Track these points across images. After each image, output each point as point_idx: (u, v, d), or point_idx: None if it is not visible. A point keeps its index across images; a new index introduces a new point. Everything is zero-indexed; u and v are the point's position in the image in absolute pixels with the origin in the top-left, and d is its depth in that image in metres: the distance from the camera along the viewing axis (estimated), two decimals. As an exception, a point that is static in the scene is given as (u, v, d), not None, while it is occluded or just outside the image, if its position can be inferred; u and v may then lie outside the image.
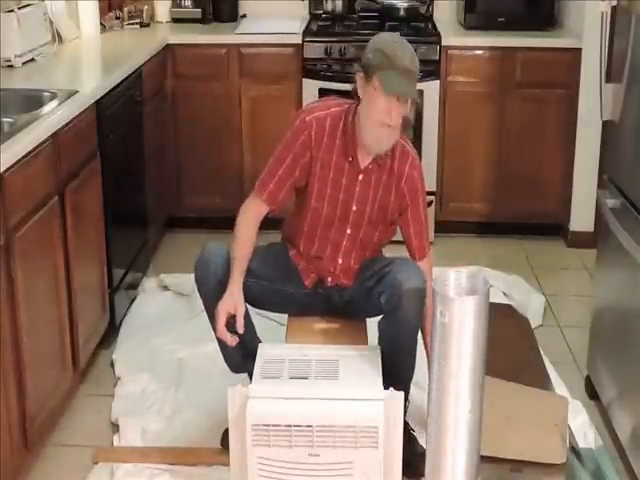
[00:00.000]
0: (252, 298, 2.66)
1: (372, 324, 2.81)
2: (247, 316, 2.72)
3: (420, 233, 2.72)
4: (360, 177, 2.63)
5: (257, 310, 2.83)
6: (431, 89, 4.35)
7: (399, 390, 2.61)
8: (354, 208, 2.66)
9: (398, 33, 2.54)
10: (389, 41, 2.51)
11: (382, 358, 2.64)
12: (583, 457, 2.82)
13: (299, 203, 2.72)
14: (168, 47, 4.41)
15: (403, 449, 2.34)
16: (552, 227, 4.60)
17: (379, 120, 2.47)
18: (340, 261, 2.73)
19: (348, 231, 2.69)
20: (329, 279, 2.75)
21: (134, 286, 3.89)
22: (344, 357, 2.47)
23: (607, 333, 3.02)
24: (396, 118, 2.46)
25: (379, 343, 2.64)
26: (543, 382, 3.23)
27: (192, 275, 2.66)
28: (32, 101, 3.07)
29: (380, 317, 2.64)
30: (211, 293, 2.60)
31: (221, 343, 2.72)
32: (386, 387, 2.34)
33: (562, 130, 4.42)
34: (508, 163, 4.49)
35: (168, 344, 3.50)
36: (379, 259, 2.75)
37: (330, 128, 2.61)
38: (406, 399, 2.67)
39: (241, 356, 2.67)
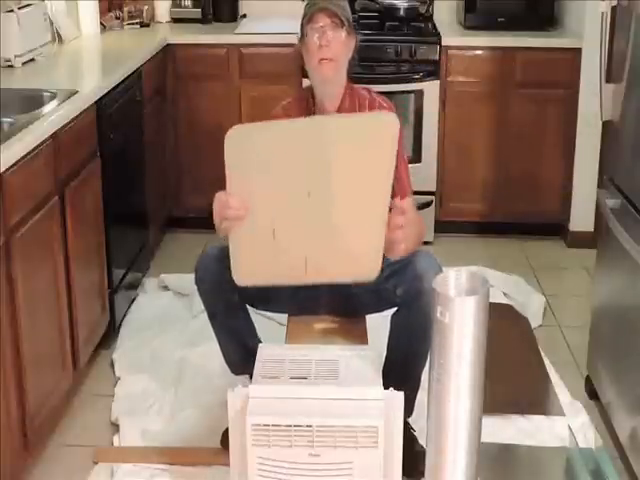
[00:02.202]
0: (253, 297, 2.66)
1: (372, 324, 2.81)
2: (247, 317, 2.73)
3: (397, 174, 2.55)
4: None
5: (257, 310, 2.83)
6: (431, 89, 4.35)
7: (411, 387, 2.62)
8: None
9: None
10: None
11: (392, 355, 2.67)
12: (583, 457, 2.83)
13: None
14: (168, 47, 4.41)
15: (403, 449, 2.34)
16: (552, 227, 4.60)
17: (316, 56, 2.50)
18: None
19: None
20: None
21: (134, 286, 3.89)
22: (344, 357, 2.47)
23: (607, 333, 3.02)
24: (327, 51, 2.48)
25: (391, 339, 2.65)
26: (543, 382, 3.24)
27: (192, 275, 2.66)
28: (32, 101, 3.07)
29: (393, 312, 2.63)
30: (211, 294, 2.60)
31: (222, 345, 2.73)
32: (386, 387, 2.34)
33: (562, 130, 4.42)
34: (508, 163, 4.49)
35: (168, 344, 3.50)
36: None
37: (296, 110, 2.64)
38: (415, 396, 2.67)
39: (242, 357, 2.67)
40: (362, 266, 2.34)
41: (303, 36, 2.55)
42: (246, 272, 2.40)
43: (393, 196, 2.62)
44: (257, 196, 2.35)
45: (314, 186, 2.31)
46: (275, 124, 2.46)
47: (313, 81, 2.61)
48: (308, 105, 2.64)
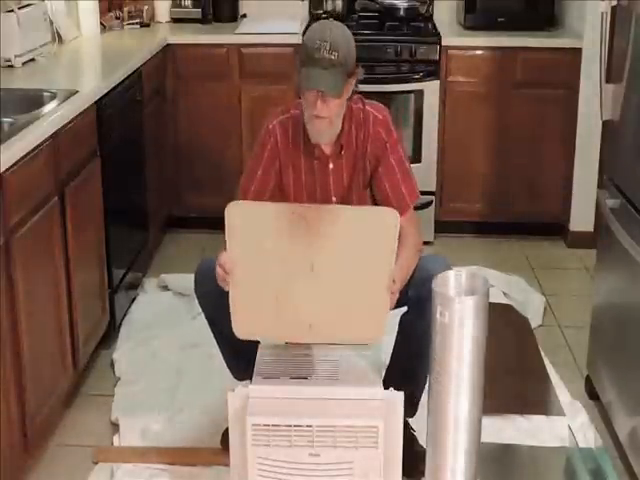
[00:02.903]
0: None
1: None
2: None
3: (396, 187, 2.60)
4: (331, 166, 2.60)
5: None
6: (431, 89, 4.35)
7: (417, 387, 2.62)
8: (334, 200, 2.63)
9: (336, 21, 2.51)
10: (314, 32, 2.45)
11: (399, 355, 2.67)
12: (583, 457, 2.83)
13: None
14: (168, 47, 4.41)
15: (403, 449, 2.34)
16: (552, 227, 4.60)
17: (310, 113, 2.47)
18: None
19: None
20: None
21: (134, 286, 3.89)
22: (344, 357, 2.47)
23: (607, 333, 3.02)
24: (323, 110, 2.44)
25: (399, 338, 2.64)
26: (543, 382, 3.24)
27: (192, 275, 2.65)
28: (32, 101, 3.07)
29: (403, 313, 2.62)
30: (211, 302, 2.59)
31: (224, 352, 2.72)
32: (388, 387, 2.34)
33: (562, 130, 4.41)
34: (508, 163, 4.49)
35: (168, 344, 3.50)
36: None
37: (293, 131, 2.59)
38: (420, 397, 2.67)
39: (244, 363, 2.66)
40: (367, 331, 2.39)
41: (300, 78, 2.44)
42: (247, 328, 2.41)
43: (387, 199, 2.64)
44: (258, 265, 2.39)
45: (317, 261, 2.38)
46: (277, 206, 2.49)
47: (307, 127, 2.53)
48: (305, 136, 2.57)
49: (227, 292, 2.43)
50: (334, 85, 2.39)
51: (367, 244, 2.38)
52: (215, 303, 2.54)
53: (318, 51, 2.37)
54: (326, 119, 2.46)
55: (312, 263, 2.37)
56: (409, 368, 2.62)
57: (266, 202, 2.53)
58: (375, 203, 2.67)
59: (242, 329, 2.40)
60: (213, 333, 2.68)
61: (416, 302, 2.52)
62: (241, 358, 2.66)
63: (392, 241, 2.37)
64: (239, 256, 2.37)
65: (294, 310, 2.37)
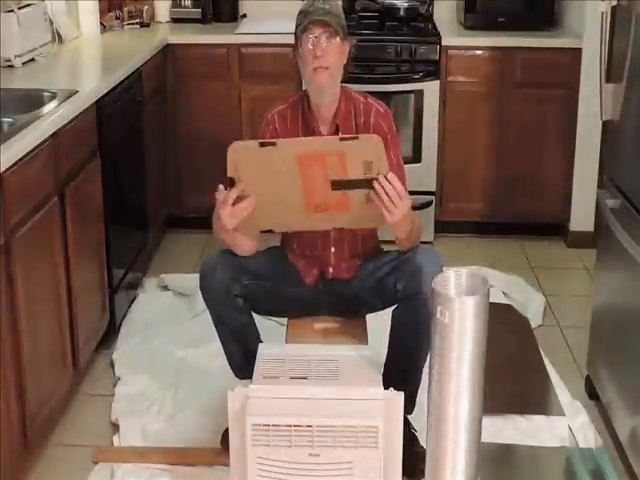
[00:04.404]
0: (255, 301, 2.66)
1: (372, 324, 2.81)
2: (252, 322, 2.73)
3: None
4: None
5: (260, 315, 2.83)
6: (431, 89, 4.35)
7: (413, 382, 2.63)
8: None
9: None
10: (306, 3, 2.61)
11: (394, 350, 2.67)
12: (583, 457, 2.83)
13: None
14: (168, 47, 4.41)
15: (403, 449, 2.34)
16: (552, 227, 4.60)
17: (311, 65, 2.53)
18: (333, 250, 2.73)
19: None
20: (330, 270, 2.75)
21: (134, 286, 3.89)
22: (344, 357, 2.47)
23: (607, 333, 3.02)
24: (323, 58, 2.51)
25: (392, 334, 2.65)
26: (543, 382, 3.24)
27: (192, 275, 2.66)
28: (32, 101, 3.07)
29: (394, 308, 2.64)
30: (217, 301, 2.60)
31: (227, 351, 2.73)
32: (388, 384, 2.34)
33: (562, 130, 4.41)
34: (508, 163, 4.49)
35: (168, 344, 3.50)
36: (388, 252, 2.75)
37: (291, 116, 2.66)
38: (417, 392, 2.67)
39: (247, 362, 2.66)
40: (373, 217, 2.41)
41: (297, 45, 2.58)
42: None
43: None
44: (260, 180, 2.40)
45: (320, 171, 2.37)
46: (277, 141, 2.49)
47: (309, 89, 2.63)
48: (304, 112, 2.66)
49: (232, 286, 2.47)
50: (332, 22, 2.53)
51: (363, 153, 2.36)
52: (220, 298, 2.56)
53: (312, 6, 2.54)
54: (327, 71, 2.53)
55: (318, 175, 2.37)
56: (405, 362, 2.63)
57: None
58: None
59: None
60: (217, 329, 2.68)
61: (406, 296, 2.54)
62: (244, 355, 2.67)
63: (382, 154, 2.35)
64: (242, 181, 2.39)
65: (297, 202, 2.40)
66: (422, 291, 2.48)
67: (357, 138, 2.35)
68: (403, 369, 2.62)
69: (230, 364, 2.78)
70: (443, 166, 4.50)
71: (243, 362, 2.68)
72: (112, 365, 3.39)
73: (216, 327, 2.68)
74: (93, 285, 3.29)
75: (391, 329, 2.66)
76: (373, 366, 2.44)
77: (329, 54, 2.53)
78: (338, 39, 2.55)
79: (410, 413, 2.70)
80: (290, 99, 2.72)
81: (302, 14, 2.58)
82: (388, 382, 2.35)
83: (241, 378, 2.74)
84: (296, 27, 2.58)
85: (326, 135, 2.63)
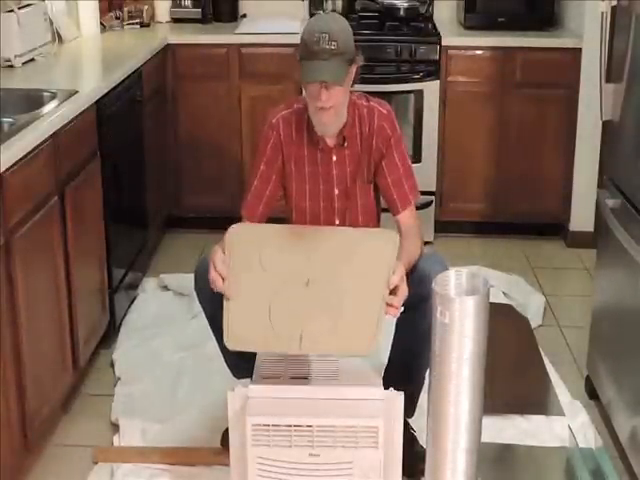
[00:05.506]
0: None
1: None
2: None
3: (399, 181, 2.63)
4: (334, 158, 2.62)
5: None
6: (431, 89, 4.35)
7: (415, 388, 2.63)
8: (336, 192, 2.65)
9: (332, 12, 2.54)
10: (311, 25, 2.47)
11: (396, 355, 2.67)
12: (583, 457, 2.83)
13: (286, 208, 2.74)
14: (168, 47, 4.41)
15: (403, 449, 2.34)
16: (552, 227, 4.60)
17: (314, 105, 2.49)
18: None
19: (337, 222, 2.70)
20: None
21: (134, 286, 3.89)
22: (344, 357, 2.47)
23: (607, 333, 3.02)
24: (327, 100, 2.46)
25: (396, 339, 2.64)
26: (543, 382, 3.24)
27: (192, 275, 2.65)
28: (32, 101, 3.07)
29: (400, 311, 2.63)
30: (211, 301, 2.59)
31: (223, 349, 2.72)
32: (387, 387, 2.34)
33: (562, 130, 4.41)
34: (508, 163, 4.48)
35: (168, 344, 3.50)
36: None
37: (296, 123, 2.63)
38: (418, 397, 2.67)
39: (243, 361, 2.66)
40: (359, 343, 2.30)
41: (301, 71, 2.45)
42: (238, 338, 2.36)
43: (394, 206, 2.65)
44: (254, 278, 2.39)
45: (313, 276, 2.37)
46: (277, 226, 2.53)
47: (312, 120, 2.56)
48: (309, 123, 2.60)
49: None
50: (336, 74, 2.42)
51: (365, 261, 2.36)
52: (215, 300, 2.54)
53: (317, 43, 2.40)
54: (331, 110, 2.49)
55: (308, 278, 2.36)
56: (407, 368, 2.62)
57: (267, 224, 2.58)
58: (377, 197, 2.68)
59: (234, 341, 2.35)
60: (212, 331, 2.68)
61: (413, 303, 2.52)
62: (241, 356, 2.66)
63: (390, 259, 2.34)
64: (236, 269, 2.37)
65: (286, 322, 2.33)
66: (430, 298, 2.48)
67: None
68: (405, 374, 2.61)
69: (226, 363, 2.77)
70: (443, 166, 4.50)
71: (239, 361, 2.68)
72: (112, 365, 3.39)
73: (211, 327, 2.68)
74: (93, 285, 3.29)
75: (396, 333, 2.65)
76: (373, 366, 2.44)
77: (334, 96, 2.45)
78: (342, 85, 2.45)
79: (410, 417, 2.70)
80: (295, 105, 2.65)
81: (306, 47, 2.41)
82: (389, 384, 2.35)
83: (239, 377, 2.74)
84: (299, 56, 2.44)
85: (332, 146, 2.61)
